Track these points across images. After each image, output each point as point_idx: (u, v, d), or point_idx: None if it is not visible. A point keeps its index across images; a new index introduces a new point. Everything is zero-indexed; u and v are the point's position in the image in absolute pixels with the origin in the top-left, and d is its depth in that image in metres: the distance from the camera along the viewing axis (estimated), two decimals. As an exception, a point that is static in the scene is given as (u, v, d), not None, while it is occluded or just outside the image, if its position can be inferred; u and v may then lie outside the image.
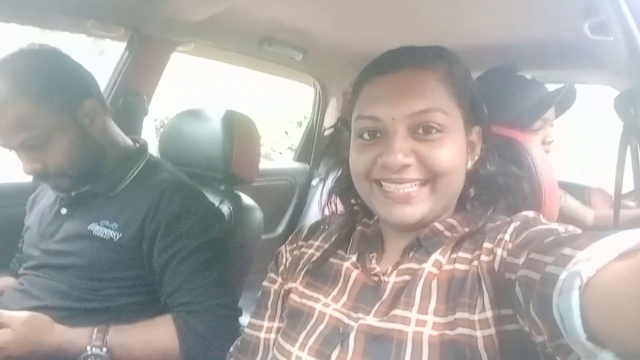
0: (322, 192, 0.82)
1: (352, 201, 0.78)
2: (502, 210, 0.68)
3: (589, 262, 0.39)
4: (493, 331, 0.55)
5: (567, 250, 0.44)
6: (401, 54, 0.67)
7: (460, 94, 0.66)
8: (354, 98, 0.70)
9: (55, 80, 0.95)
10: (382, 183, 0.64)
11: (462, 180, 0.67)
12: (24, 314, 0.88)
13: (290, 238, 0.84)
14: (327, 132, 2.17)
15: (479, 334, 0.56)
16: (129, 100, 1.44)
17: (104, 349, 0.89)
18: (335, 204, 0.80)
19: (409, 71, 0.65)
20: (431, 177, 0.63)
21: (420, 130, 0.63)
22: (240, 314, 1.03)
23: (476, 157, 0.69)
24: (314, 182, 2.18)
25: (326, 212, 0.81)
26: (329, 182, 0.82)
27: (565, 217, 1.29)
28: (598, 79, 1.62)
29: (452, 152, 0.63)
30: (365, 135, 0.66)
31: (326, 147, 2.37)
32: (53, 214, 1.07)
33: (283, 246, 0.83)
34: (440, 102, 0.63)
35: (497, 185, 0.69)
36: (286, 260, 0.80)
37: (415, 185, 0.63)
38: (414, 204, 0.63)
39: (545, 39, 1.33)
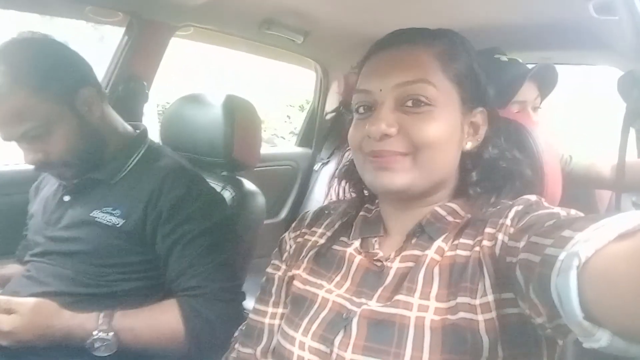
0: (332, 175, 0.82)
1: (362, 186, 0.78)
2: (505, 196, 0.67)
3: (588, 242, 0.39)
4: (494, 315, 0.56)
5: (566, 232, 0.44)
6: (401, 33, 0.69)
7: (459, 73, 0.66)
8: (357, 77, 0.72)
9: (52, 68, 0.95)
10: (372, 155, 0.65)
11: (451, 158, 0.67)
12: (32, 299, 0.89)
13: (293, 225, 0.84)
14: (328, 116, 2.18)
15: (480, 317, 0.56)
16: (129, 87, 1.43)
17: (111, 333, 0.90)
18: (344, 189, 0.81)
19: (404, 47, 0.66)
20: (413, 150, 0.63)
21: (409, 103, 0.63)
22: (244, 298, 1.04)
23: (479, 139, 0.69)
24: (317, 167, 2.18)
25: (333, 196, 0.82)
26: (332, 166, 0.82)
27: (578, 180, 1.24)
28: (603, 60, 1.60)
29: (440, 127, 0.63)
30: (360, 110, 0.68)
31: (328, 131, 2.36)
32: (56, 201, 1.08)
33: (287, 233, 0.84)
34: (431, 76, 0.64)
35: (499, 170, 0.69)
36: (290, 247, 0.81)
37: (398, 156, 0.63)
38: (396, 171, 0.63)
39: (550, 19, 1.31)
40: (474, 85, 0.68)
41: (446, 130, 0.64)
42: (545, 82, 1.22)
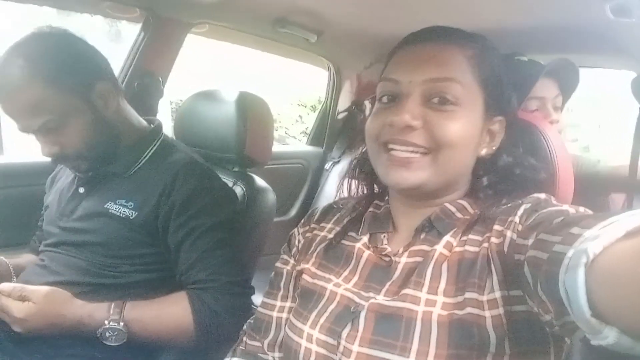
0: (348, 170, 0.82)
1: (373, 183, 0.78)
2: (516, 198, 0.67)
3: (596, 240, 0.39)
4: (501, 311, 0.56)
5: (575, 230, 0.44)
6: (436, 29, 0.69)
7: (487, 79, 0.66)
8: (385, 67, 0.72)
9: (69, 62, 0.96)
10: (389, 146, 0.65)
11: (468, 161, 0.67)
12: (45, 288, 0.91)
13: (302, 220, 0.85)
14: (340, 116, 2.18)
15: (487, 313, 0.56)
16: (145, 82, 1.45)
17: (121, 323, 0.91)
18: (355, 186, 0.81)
19: (437, 43, 0.66)
20: (434, 147, 0.63)
21: (435, 100, 0.64)
22: (253, 292, 1.05)
23: (494, 147, 0.69)
24: (328, 166, 2.18)
25: (345, 192, 0.82)
26: (343, 165, 0.83)
27: (608, 182, 1.24)
28: (620, 64, 1.58)
29: (462, 127, 0.63)
30: (384, 99, 0.68)
31: (340, 131, 2.37)
32: (71, 192, 1.10)
33: (296, 228, 0.85)
34: (461, 76, 0.64)
35: (513, 176, 0.69)
36: (299, 242, 0.82)
37: (417, 152, 0.64)
38: (413, 169, 0.63)
39: (566, 21, 1.29)
40: (498, 92, 0.68)
41: (468, 131, 0.64)
42: (565, 78, 1.20)
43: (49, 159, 1.02)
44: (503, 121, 0.69)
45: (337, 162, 2.11)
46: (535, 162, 0.71)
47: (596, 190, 1.29)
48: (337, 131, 2.21)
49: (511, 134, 0.70)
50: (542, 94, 1.17)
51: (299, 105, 5.56)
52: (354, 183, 0.81)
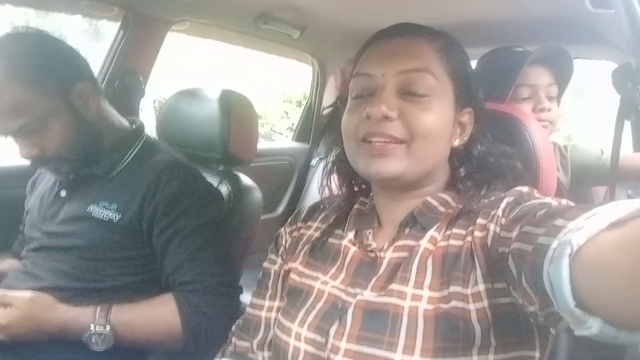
0: (323, 171, 0.83)
1: (352, 181, 0.79)
2: (497, 189, 0.68)
3: (580, 231, 0.39)
4: (486, 304, 0.57)
5: (558, 221, 0.45)
6: (404, 25, 0.70)
7: (455, 71, 0.68)
8: (355, 64, 0.72)
9: (48, 63, 0.94)
10: (368, 139, 0.65)
11: (443, 150, 0.68)
12: (28, 293, 0.90)
13: (289, 220, 0.85)
14: (325, 111, 2.18)
15: (472, 307, 0.57)
16: (125, 82, 1.43)
17: (107, 327, 0.90)
18: (336, 187, 0.81)
19: (406, 38, 0.68)
20: (410, 138, 0.64)
21: (409, 91, 0.65)
22: (241, 292, 1.05)
23: (465, 138, 0.70)
24: (314, 162, 2.18)
25: (326, 192, 0.82)
26: (329, 161, 0.83)
27: (598, 169, 1.22)
28: (600, 54, 1.60)
29: (436, 117, 0.64)
30: (358, 95, 0.68)
31: (325, 126, 2.36)
32: (53, 196, 1.07)
33: (282, 228, 0.85)
34: (432, 67, 0.65)
35: (488, 165, 0.70)
36: (286, 241, 0.82)
37: (394, 143, 0.64)
38: (391, 158, 0.64)
39: (546, 13, 1.31)
40: (466, 85, 0.69)
41: (441, 121, 0.65)
42: (558, 66, 1.17)
43: (28, 163, 1.00)
44: (471, 112, 0.71)
45: (324, 158, 2.11)
46: (507, 149, 0.72)
47: (601, 182, 1.29)
48: (323, 127, 2.20)
49: (481, 125, 0.72)
50: (534, 81, 1.15)
51: (284, 101, 5.55)
52: (334, 183, 0.81)
